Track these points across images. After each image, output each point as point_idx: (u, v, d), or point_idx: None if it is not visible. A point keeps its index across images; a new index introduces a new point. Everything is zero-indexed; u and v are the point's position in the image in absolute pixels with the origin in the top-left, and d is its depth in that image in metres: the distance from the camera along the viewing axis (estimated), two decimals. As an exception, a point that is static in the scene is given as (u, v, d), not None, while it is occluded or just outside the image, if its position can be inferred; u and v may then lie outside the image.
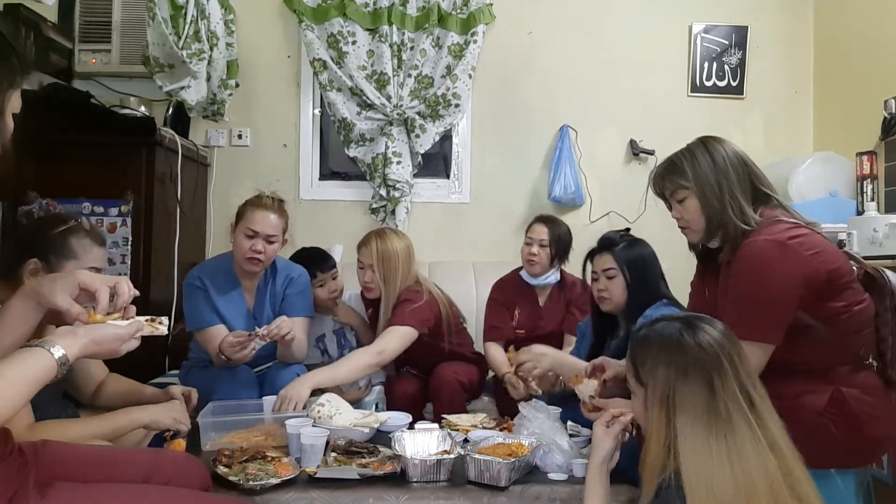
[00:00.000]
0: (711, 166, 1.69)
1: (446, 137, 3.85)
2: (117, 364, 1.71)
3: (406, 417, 2.20)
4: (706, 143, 1.73)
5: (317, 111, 3.85)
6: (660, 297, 2.12)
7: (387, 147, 3.62)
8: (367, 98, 3.61)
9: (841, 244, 2.70)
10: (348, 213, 3.79)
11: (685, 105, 3.86)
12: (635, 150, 3.82)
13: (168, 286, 3.05)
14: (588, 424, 1.98)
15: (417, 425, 2.05)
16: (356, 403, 2.35)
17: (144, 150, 2.99)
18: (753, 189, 1.69)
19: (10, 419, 1.16)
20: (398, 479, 1.74)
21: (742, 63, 3.87)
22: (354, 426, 2.01)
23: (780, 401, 1.35)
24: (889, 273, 1.70)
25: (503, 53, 3.81)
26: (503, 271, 3.05)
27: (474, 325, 3.07)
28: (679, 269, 2.18)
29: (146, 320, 1.36)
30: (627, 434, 1.51)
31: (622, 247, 2.18)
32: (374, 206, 3.70)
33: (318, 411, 2.03)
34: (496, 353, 2.81)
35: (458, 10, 3.69)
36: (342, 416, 2.05)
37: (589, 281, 2.28)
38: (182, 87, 3.09)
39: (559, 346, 2.68)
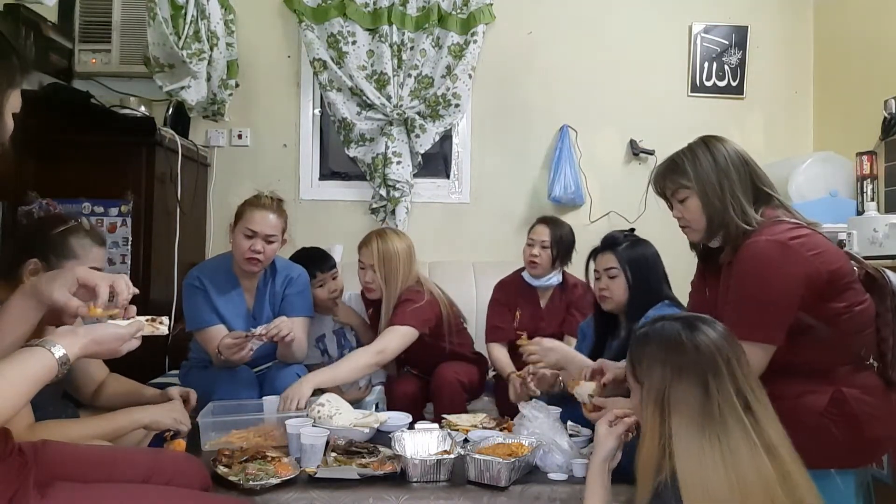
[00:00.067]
0: (713, 166, 1.69)
1: (446, 137, 3.85)
2: (117, 364, 1.71)
3: (406, 417, 2.20)
4: (707, 143, 1.73)
5: (317, 111, 3.85)
6: (662, 298, 2.12)
7: (387, 147, 3.62)
8: (367, 98, 3.61)
9: (841, 244, 2.70)
10: (348, 213, 3.79)
11: (685, 105, 3.86)
12: (635, 150, 3.82)
13: (168, 286, 3.05)
14: (588, 424, 1.98)
15: (417, 425, 2.05)
16: (356, 403, 2.35)
17: (144, 150, 2.99)
18: (755, 189, 1.69)
19: (11, 419, 1.16)
20: (398, 479, 1.74)
21: (742, 63, 3.87)
22: (354, 426, 2.01)
23: (780, 401, 1.35)
24: (890, 273, 1.70)
25: (503, 53, 3.81)
26: (503, 271, 3.05)
27: (474, 325, 3.06)
28: (679, 269, 2.18)
29: (146, 320, 1.36)
30: (631, 434, 1.51)
31: (625, 246, 2.18)
32: (374, 206, 3.70)
33: (318, 411, 2.02)
34: (499, 354, 2.80)
35: (458, 10, 3.69)
36: (342, 416, 2.05)
37: (591, 279, 2.28)
38: (182, 87, 3.09)
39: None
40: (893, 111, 3.15)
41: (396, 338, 2.45)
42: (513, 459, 1.71)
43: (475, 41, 3.67)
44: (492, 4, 3.73)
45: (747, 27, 3.87)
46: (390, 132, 3.63)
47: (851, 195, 3.31)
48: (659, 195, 1.84)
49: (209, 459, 1.75)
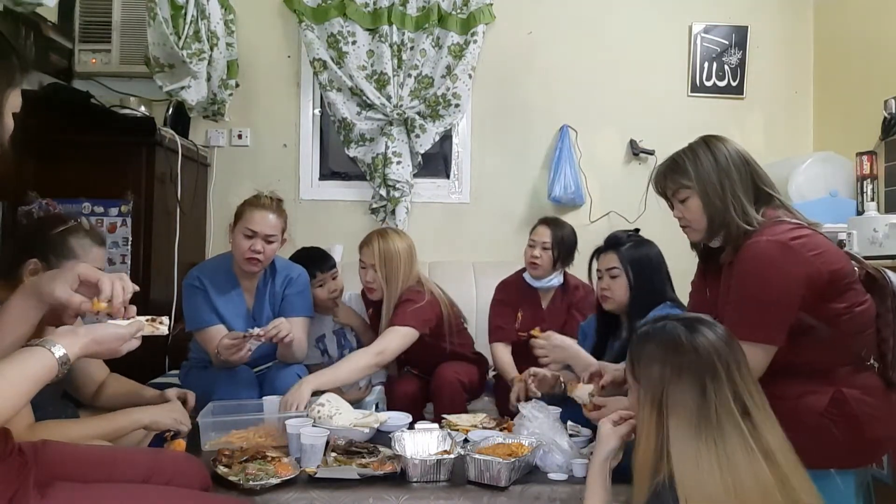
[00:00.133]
0: (714, 165, 1.68)
1: (446, 137, 3.85)
2: (117, 364, 1.71)
3: (406, 417, 2.20)
4: (708, 143, 1.73)
5: (317, 111, 3.85)
6: (664, 299, 2.12)
7: (387, 147, 3.61)
8: (367, 98, 3.61)
9: (841, 244, 2.70)
10: (348, 213, 3.79)
11: (685, 105, 3.86)
12: (635, 150, 3.82)
13: (168, 286, 3.04)
14: (588, 424, 1.98)
15: (417, 425, 2.05)
16: (356, 403, 2.35)
17: (144, 150, 2.99)
18: (756, 189, 1.69)
19: (11, 419, 1.16)
20: (398, 479, 1.74)
21: (742, 63, 3.87)
22: (354, 426, 2.01)
23: (781, 401, 1.35)
24: (891, 274, 1.70)
25: (503, 53, 3.81)
26: (503, 271, 3.05)
27: (474, 325, 3.06)
28: (680, 269, 2.18)
29: (146, 320, 1.36)
30: (634, 435, 1.50)
31: (628, 247, 2.18)
32: (374, 206, 3.70)
33: (318, 411, 2.02)
34: (503, 355, 2.79)
35: (458, 10, 3.69)
36: (342, 416, 2.05)
37: (594, 279, 2.28)
38: (182, 87, 3.09)
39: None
40: (893, 111, 3.15)
41: (396, 338, 2.44)
42: (513, 459, 1.71)
43: (475, 41, 3.67)
44: (492, 4, 3.73)
45: (747, 27, 3.87)
46: (390, 132, 3.63)
47: (851, 195, 3.31)
48: (660, 195, 1.83)
49: (209, 459, 1.75)
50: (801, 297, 1.55)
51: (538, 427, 1.90)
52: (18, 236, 2.51)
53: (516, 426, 2.01)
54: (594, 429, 1.58)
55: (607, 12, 3.86)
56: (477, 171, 3.85)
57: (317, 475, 1.72)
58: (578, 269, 2.86)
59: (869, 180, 3.23)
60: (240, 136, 3.74)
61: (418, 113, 3.66)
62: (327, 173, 3.90)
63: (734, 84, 3.87)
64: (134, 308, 1.35)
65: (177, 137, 3.16)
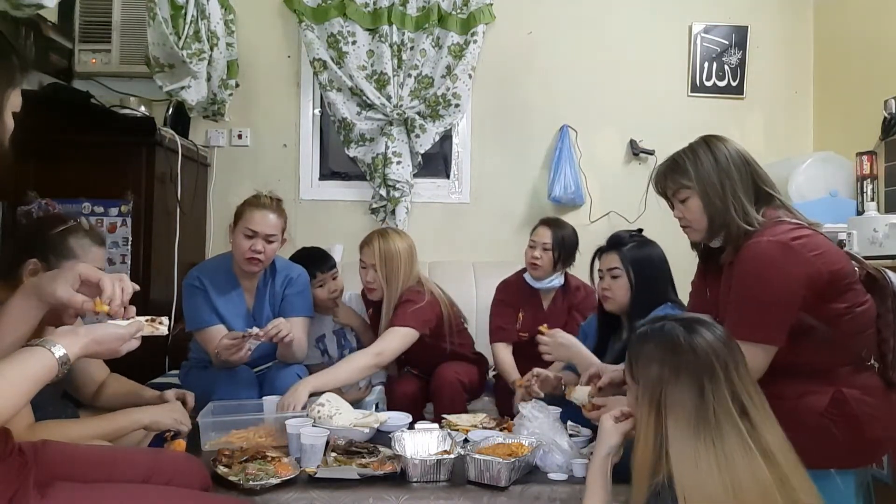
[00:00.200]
0: (714, 165, 1.68)
1: (446, 137, 3.85)
2: (117, 364, 1.71)
3: (406, 417, 2.20)
4: (709, 143, 1.72)
5: (317, 111, 3.85)
6: (665, 300, 2.11)
7: (387, 147, 3.61)
8: (367, 98, 3.61)
9: (841, 244, 2.70)
10: (348, 213, 3.79)
11: (685, 105, 3.86)
12: (635, 150, 3.82)
13: (168, 286, 3.04)
14: (588, 424, 1.98)
15: (417, 425, 2.04)
16: (356, 403, 2.35)
17: (144, 150, 2.99)
18: (756, 189, 1.69)
19: (11, 419, 1.16)
20: (398, 479, 1.74)
21: (742, 63, 3.87)
22: (354, 426, 2.01)
23: (781, 401, 1.35)
24: (891, 274, 1.70)
25: (503, 53, 3.81)
26: (503, 271, 3.05)
27: (474, 325, 3.06)
28: (680, 269, 2.18)
29: (146, 320, 1.36)
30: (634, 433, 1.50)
31: (630, 247, 2.17)
32: (374, 206, 3.70)
33: (318, 411, 2.02)
34: (504, 356, 2.79)
35: (458, 10, 3.69)
36: (342, 416, 2.05)
37: (596, 279, 2.28)
38: (182, 87, 3.09)
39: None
40: (893, 111, 3.15)
41: (396, 339, 2.44)
42: (513, 459, 1.71)
43: (475, 41, 3.67)
44: (492, 4, 3.73)
45: (747, 27, 3.87)
46: (390, 132, 3.63)
47: (851, 195, 3.31)
48: (660, 195, 1.83)
49: (209, 459, 1.75)
50: (801, 298, 1.55)
51: (538, 427, 1.90)
52: (18, 236, 2.51)
53: (516, 426, 2.01)
54: (594, 429, 1.58)
55: (607, 12, 3.86)
56: (477, 171, 3.85)
57: (317, 475, 1.72)
58: (579, 269, 2.87)
59: (869, 180, 3.23)
60: (240, 136, 3.74)
61: (418, 113, 3.66)
62: (327, 173, 3.90)
63: (734, 84, 3.87)
64: (134, 308, 1.35)
65: (177, 137, 3.16)
